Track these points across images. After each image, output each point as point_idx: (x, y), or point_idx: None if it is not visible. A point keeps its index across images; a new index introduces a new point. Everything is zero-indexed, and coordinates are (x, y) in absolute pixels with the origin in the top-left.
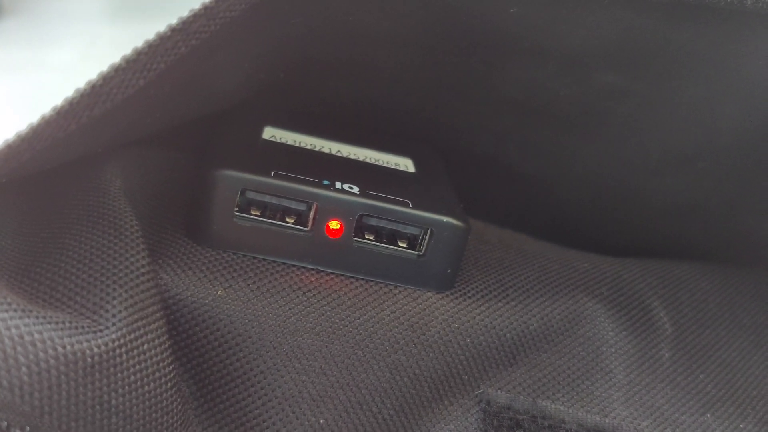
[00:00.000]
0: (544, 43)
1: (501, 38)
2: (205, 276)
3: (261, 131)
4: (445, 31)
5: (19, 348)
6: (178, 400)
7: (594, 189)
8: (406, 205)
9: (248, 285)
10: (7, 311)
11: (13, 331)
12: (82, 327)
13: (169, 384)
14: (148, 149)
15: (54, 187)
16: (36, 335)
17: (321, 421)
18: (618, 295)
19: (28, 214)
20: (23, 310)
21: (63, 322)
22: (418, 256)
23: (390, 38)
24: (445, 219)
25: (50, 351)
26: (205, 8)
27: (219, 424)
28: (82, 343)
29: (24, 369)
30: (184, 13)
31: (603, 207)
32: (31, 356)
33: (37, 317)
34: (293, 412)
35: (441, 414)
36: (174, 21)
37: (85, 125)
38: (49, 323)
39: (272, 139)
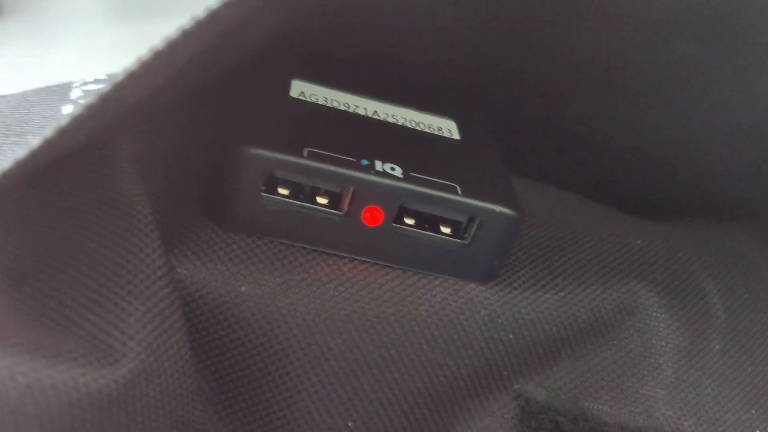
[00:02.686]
0: (621, 6)
1: None
2: (227, 269)
3: (288, 87)
4: None
5: (27, 399)
6: (198, 402)
7: (651, 155)
8: (453, 190)
9: (274, 278)
10: (12, 356)
11: (20, 380)
12: (97, 360)
13: (191, 396)
14: (162, 114)
15: (59, 166)
16: (46, 381)
17: (349, 424)
18: (672, 279)
19: (36, 208)
20: (29, 352)
21: (75, 358)
22: (463, 245)
23: None
24: (498, 209)
25: (63, 397)
26: None
27: (241, 422)
28: (98, 380)
29: (34, 422)
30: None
31: (659, 171)
32: (42, 405)
33: (45, 357)
34: (320, 415)
35: (476, 408)
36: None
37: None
38: (61, 363)
39: (301, 97)
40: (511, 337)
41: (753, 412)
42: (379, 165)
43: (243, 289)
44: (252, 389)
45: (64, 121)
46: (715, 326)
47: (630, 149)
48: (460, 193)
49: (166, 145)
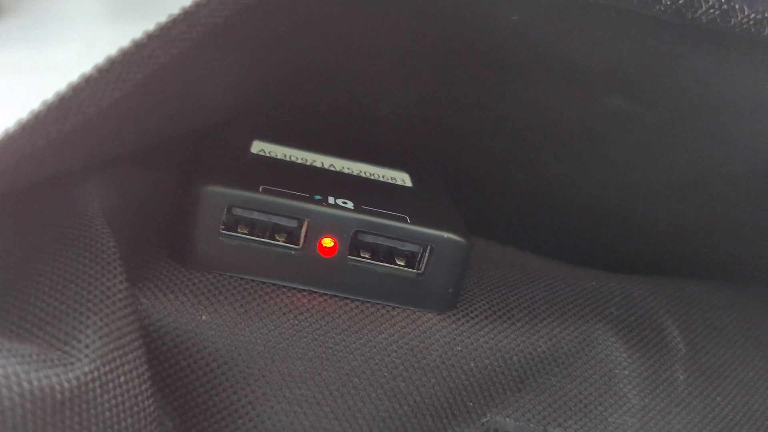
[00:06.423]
0: (547, 59)
1: (500, 51)
2: (188, 300)
3: (249, 145)
4: (442, 42)
5: None
6: None
7: (599, 212)
8: (403, 220)
9: (235, 309)
10: None
11: None
12: (51, 360)
13: (148, 419)
14: (129, 168)
15: (29, 209)
16: None
17: None
18: (629, 314)
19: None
20: None
21: (30, 356)
22: (418, 274)
23: (383, 48)
24: (446, 235)
25: (15, 387)
26: (185, 13)
27: None
28: (50, 377)
29: None
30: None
31: (609, 228)
32: None
33: None
34: None
35: None
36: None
37: (56, 140)
38: (14, 357)
39: (261, 153)
40: (472, 365)
41: None
42: (331, 199)
43: (203, 318)
44: (215, 422)
45: None
46: (677, 358)
47: (578, 207)
48: (409, 221)
49: (134, 195)
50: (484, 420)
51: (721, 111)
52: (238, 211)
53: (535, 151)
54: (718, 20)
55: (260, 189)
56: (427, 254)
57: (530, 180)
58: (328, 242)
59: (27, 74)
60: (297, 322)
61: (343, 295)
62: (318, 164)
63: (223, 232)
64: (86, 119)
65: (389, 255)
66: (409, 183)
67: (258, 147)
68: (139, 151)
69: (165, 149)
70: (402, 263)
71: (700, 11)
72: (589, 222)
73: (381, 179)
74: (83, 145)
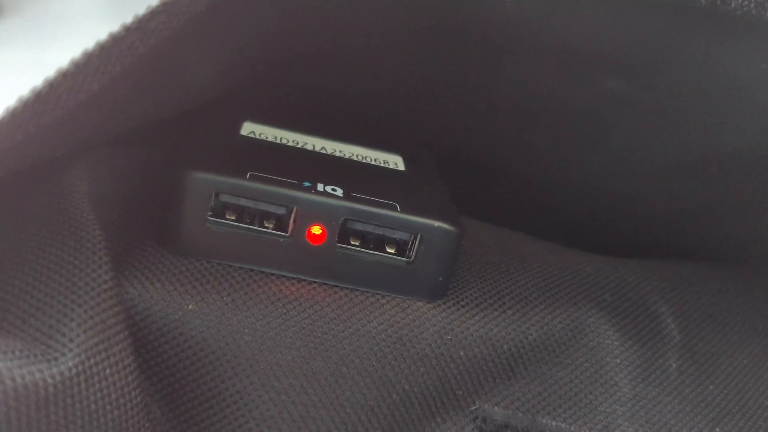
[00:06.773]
0: (542, 40)
1: (494, 33)
2: (175, 288)
3: (239, 127)
4: (434, 24)
5: None
6: (147, 425)
7: (595, 194)
8: (393, 208)
9: (222, 297)
10: None
11: None
12: (35, 355)
13: (135, 409)
14: (118, 148)
15: (13, 195)
16: None
17: None
18: (623, 301)
19: None
20: None
21: (12, 351)
22: (408, 262)
23: (376, 31)
24: (436, 224)
25: None
26: (164, 4)
27: None
28: (34, 374)
29: None
30: None
31: (604, 211)
32: None
33: None
34: None
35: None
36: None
37: (35, 134)
38: None
39: (251, 135)
40: (462, 354)
41: (717, 430)
42: (320, 186)
43: (190, 307)
44: (203, 411)
45: None
46: (670, 346)
47: (574, 190)
48: (399, 210)
49: (123, 177)
50: (473, 408)
51: (720, 93)
52: (225, 198)
53: (530, 133)
54: (718, 2)
55: (248, 175)
56: (417, 242)
57: (526, 162)
58: (316, 230)
59: (27, 74)
60: (285, 311)
61: (332, 283)
62: (309, 147)
63: (210, 218)
64: (65, 113)
65: (379, 242)
66: (401, 167)
67: (248, 129)
68: (129, 133)
69: (156, 128)
70: (392, 251)
71: None
72: (586, 204)
73: (373, 163)
74: (65, 135)
